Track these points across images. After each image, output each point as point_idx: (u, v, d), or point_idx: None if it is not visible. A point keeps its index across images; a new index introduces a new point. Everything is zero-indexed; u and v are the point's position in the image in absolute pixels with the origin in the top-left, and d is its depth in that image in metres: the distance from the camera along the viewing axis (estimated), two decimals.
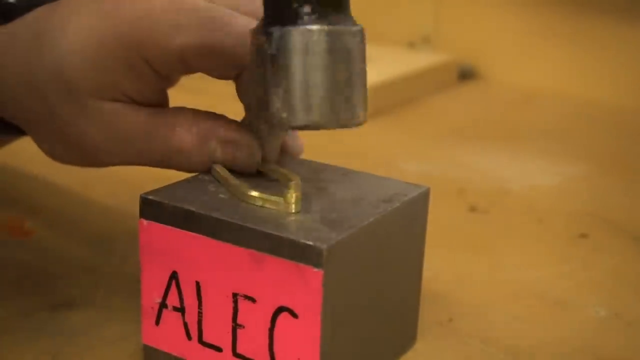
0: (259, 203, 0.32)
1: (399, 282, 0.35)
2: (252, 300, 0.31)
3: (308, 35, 0.30)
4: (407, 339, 0.37)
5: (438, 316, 0.40)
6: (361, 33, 0.31)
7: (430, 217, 0.37)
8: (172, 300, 0.33)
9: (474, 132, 0.75)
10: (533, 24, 0.92)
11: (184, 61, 0.34)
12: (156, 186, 0.34)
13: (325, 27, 0.30)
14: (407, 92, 0.84)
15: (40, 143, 0.37)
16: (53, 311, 0.39)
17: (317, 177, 0.36)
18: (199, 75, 0.37)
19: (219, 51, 0.33)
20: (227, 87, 0.38)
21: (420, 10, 0.97)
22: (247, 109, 0.37)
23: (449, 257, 0.46)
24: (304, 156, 0.40)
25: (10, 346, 0.36)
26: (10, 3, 0.38)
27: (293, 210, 0.32)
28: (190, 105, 0.36)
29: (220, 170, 0.35)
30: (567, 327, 0.40)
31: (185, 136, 0.35)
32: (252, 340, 0.31)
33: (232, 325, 0.32)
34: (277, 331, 0.31)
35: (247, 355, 0.32)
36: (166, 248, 0.33)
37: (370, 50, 1.02)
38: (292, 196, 0.32)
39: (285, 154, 0.39)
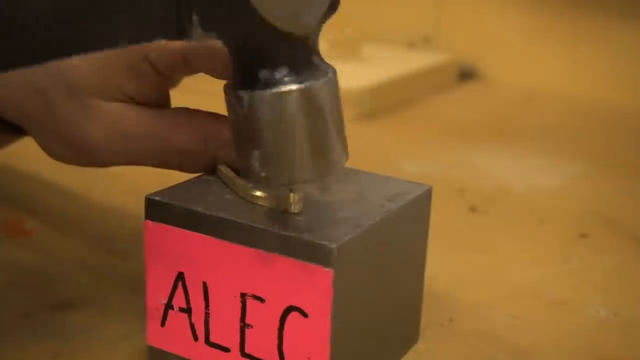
0: (262, 202, 0.32)
1: (403, 281, 0.36)
2: (261, 300, 0.31)
3: (277, 99, 0.29)
4: (410, 336, 0.37)
5: (438, 316, 0.40)
6: (332, 79, 0.30)
7: (431, 217, 0.37)
8: (178, 301, 0.33)
9: (474, 132, 0.75)
10: (533, 24, 0.92)
11: (185, 61, 0.34)
12: (156, 187, 0.34)
13: (294, 87, 0.29)
14: (407, 92, 0.84)
15: (42, 143, 0.37)
16: (53, 311, 0.39)
17: None
18: (200, 75, 0.37)
19: (220, 51, 0.34)
20: None
21: (420, 10, 0.97)
22: None
23: (449, 257, 0.46)
24: None
25: (10, 346, 0.36)
26: None
27: (295, 210, 0.32)
28: (191, 106, 0.36)
29: (225, 170, 0.35)
30: (567, 327, 0.40)
31: (186, 137, 0.35)
32: (261, 340, 0.31)
33: (240, 325, 0.32)
34: (286, 331, 0.31)
35: (256, 355, 0.32)
36: (172, 249, 0.33)
37: (371, 50, 1.03)
38: (295, 196, 0.32)
39: None
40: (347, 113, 0.87)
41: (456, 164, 0.65)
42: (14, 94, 0.36)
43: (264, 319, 0.31)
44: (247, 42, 0.28)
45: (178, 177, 0.36)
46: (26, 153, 0.49)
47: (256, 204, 0.33)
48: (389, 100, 0.80)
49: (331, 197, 0.34)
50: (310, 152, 0.30)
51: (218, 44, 0.33)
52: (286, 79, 0.29)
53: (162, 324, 0.34)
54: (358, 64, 0.85)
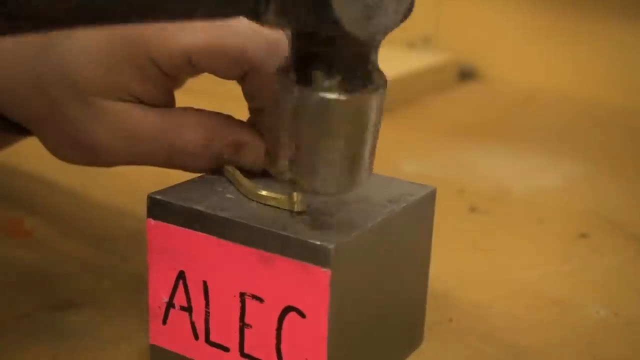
0: (267, 202, 0.32)
1: (406, 282, 0.36)
2: (260, 300, 0.31)
3: (325, 104, 0.28)
4: (414, 338, 0.37)
5: (438, 316, 0.40)
6: (382, 93, 0.29)
7: None
8: (180, 299, 0.33)
9: (474, 132, 0.75)
10: (534, 23, 0.92)
11: (190, 61, 0.34)
12: (157, 186, 0.34)
13: (344, 97, 0.28)
14: (407, 92, 0.84)
15: (47, 143, 0.37)
16: (53, 311, 0.39)
17: None
18: (204, 76, 0.37)
19: (225, 51, 0.34)
20: (233, 89, 0.38)
21: (420, 10, 0.97)
22: (252, 109, 0.37)
23: (449, 257, 0.46)
24: None
25: (10, 346, 0.36)
26: None
27: (296, 209, 0.32)
28: (196, 106, 0.36)
29: (231, 170, 0.35)
30: (567, 327, 0.40)
31: (190, 137, 0.35)
32: (260, 340, 0.31)
33: (240, 325, 0.32)
34: (284, 331, 0.31)
35: (255, 355, 0.32)
36: (174, 248, 0.33)
37: None
38: (297, 195, 0.32)
39: None
40: None
41: (456, 164, 0.65)
42: (19, 93, 0.36)
43: (262, 319, 0.31)
44: (312, 39, 0.27)
45: (179, 176, 0.36)
46: (26, 153, 0.49)
47: (261, 203, 0.33)
48: (388, 100, 0.80)
49: (333, 198, 0.34)
50: (341, 167, 0.29)
51: (227, 43, 0.33)
52: (339, 86, 0.28)
53: (164, 323, 0.34)
54: None
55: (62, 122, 0.35)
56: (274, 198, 0.32)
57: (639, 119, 0.81)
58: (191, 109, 0.36)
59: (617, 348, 0.38)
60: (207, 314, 0.33)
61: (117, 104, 0.35)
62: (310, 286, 0.30)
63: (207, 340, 0.33)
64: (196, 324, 0.33)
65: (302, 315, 0.30)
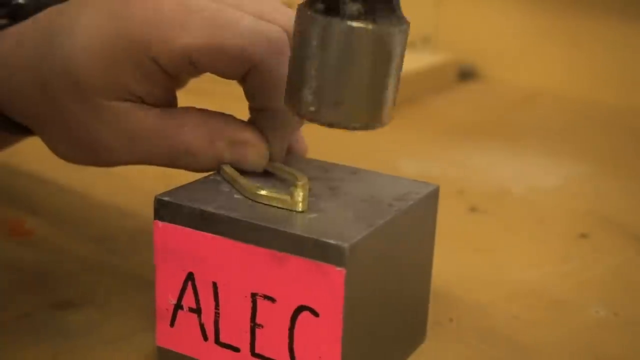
0: (266, 202, 0.32)
1: (411, 280, 0.36)
2: (272, 299, 0.31)
3: (352, 33, 0.28)
4: (418, 335, 0.38)
5: (438, 316, 0.40)
6: (406, 31, 0.30)
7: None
8: (188, 301, 0.33)
9: (474, 132, 0.75)
10: (533, 23, 0.92)
11: (191, 61, 0.34)
12: (157, 186, 0.34)
13: (370, 26, 0.28)
14: (407, 92, 0.84)
15: (49, 142, 0.37)
16: (53, 311, 0.39)
17: (327, 176, 0.36)
18: (205, 76, 0.37)
19: (226, 51, 0.34)
20: (233, 89, 0.38)
21: (420, 10, 0.97)
22: (254, 109, 0.37)
23: (449, 257, 0.46)
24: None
25: (10, 346, 0.36)
26: (19, 3, 0.38)
27: (300, 209, 0.32)
28: (197, 106, 0.36)
29: (228, 169, 0.35)
30: (567, 327, 0.40)
31: (193, 136, 0.35)
32: (272, 340, 0.31)
33: (251, 325, 0.32)
34: (297, 330, 0.31)
35: (266, 355, 0.32)
36: (182, 249, 0.32)
37: None
38: (299, 195, 0.32)
39: (291, 153, 0.39)
40: None
41: (456, 164, 0.65)
42: (21, 92, 0.36)
43: (274, 318, 0.31)
44: None
45: (178, 177, 0.36)
46: (26, 153, 0.49)
47: (260, 203, 0.33)
48: None
49: (340, 197, 0.34)
50: (366, 98, 0.30)
51: (228, 42, 0.33)
52: (366, 16, 0.29)
53: (172, 325, 0.34)
54: None
55: (64, 122, 0.35)
56: (275, 198, 0.32)
57: (638, 119, 0.81)
58: (193, 108, 0.36)
59: (617, 348, 0.38)
60: (216, 315, 0.32)
61: (119, 103, 0.35)
62: (324, 285, 0.30)
63: (217, 341, 0.33)
64: (205, 325, 0.33)
65: (316, 314, 0.30)
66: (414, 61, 0.89)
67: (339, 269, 0.29)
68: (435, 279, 0.38)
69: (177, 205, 0.32)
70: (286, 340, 0.31)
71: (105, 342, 0.37)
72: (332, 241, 0.29)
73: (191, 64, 0.34)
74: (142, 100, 0.35)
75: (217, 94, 0.59)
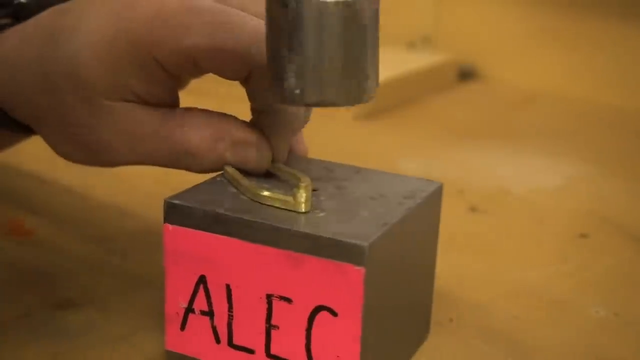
0: (269, 202, 0.32)
1: (419, 276, 0.36)
2: (288, 300, 0.31)
3: (324, 8, 0.29)
4: (423, 332, 0.38)
5: (438, 316, 0.40)
6: (377, 3, 0.30)
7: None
8: (200, 304, 0.33)
9: (474, 132, 0.75)
10: (533, 23, 0.92)
11: (194, 62, 0.34)
12: (157, 186, 0.34)
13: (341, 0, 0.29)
14: (407, 92, 0.84)
15: (51, 142, 0.37)
16: (53, 311, 0.39)
17: (332, 176, 0.36)
18: (206, 76, 0.37)
19: (230, 52, 0.33)
20: (234, 89, 0.38)
21: (420, 10, 0.97)
22: (256, 110, 0.37)
23: (449, 257, 0.46)
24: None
25: (10, 346, 0.36)
26: (21, 3, 0.38)
27: (303, 210, 0.32)
28: (199, 107, 0.36)
29: (230, 170, 0.35)
30: (567, 327, 0.40)
31: (195, 137, 0.35)
32: (288, 341, 0.31)
33: (266, 327, 0.32)
34: (315, 330, 0.31)
35: (282, 356, 0.32)
36: (193, 252, 0.32)
37: None
38: (302, 196, 0.32)
39: (292, 154, 0.39)
40: (347, 113, 0.87)
41: (456, 164, 0.65)
42: (22, 92, 0.36)
43: (291, 319, 0.31)
44: None
45: (179, 177, 0.36)
46: (26, 153, 0.49)
47: (263, 204, 0.32)
48: (388, 100, 0.80)
49: (349, 196, 0.34)
50: (347, 71, 0.30)
51: (232, 44, 0.33)
52: None
53: (182, 328, 0.33)
54: None
55: (66, 121, 0.35)
56: (278, 199, 0.32)
57: (638, 119, 0.81)
58: (195, 109, 0.36)
59: (617, 348, 0.38)
60: (230, 317, 0.32)
61: (122, 104, 0.35)
62: (343, 285, 0.30)
63: (230, 343, 0.33)
64: (218, 328, 0.33)
65: (334, 313, 0.30)
66: (414, 61, 0.89)
67: (358, 268, 0.29)
68: (436, 279, 0.38)
69: (188, 207, 0.32)
70: (303, 341, 0.31)
71: (105, 342, 0.37)
72: (351, 240, 0.29)
73: (195, 65, 0.34)
74: (144, 101, 0.35)
75: (218, 95, 0.59)
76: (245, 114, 0.37)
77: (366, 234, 0.30)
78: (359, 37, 0.30)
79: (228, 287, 0.32)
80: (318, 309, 0.30)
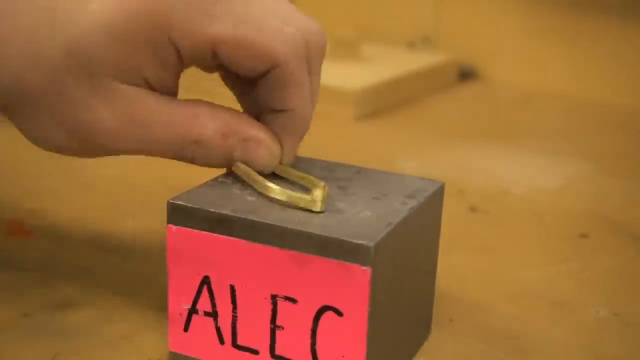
0: (282, 197, 0.32)
1: (421, 276, 0.36)
2: (293, 301, 0.31)
3: None
4: (425, 331, 0.38)
5: (438, 316, 0.40)
6: None
7: None
8: (203, 305, 0.33)
9: (474, 132, 0.75)
10: (533, 23, 0.92)
11: (214, 51, 0.33)
12: (157, 186, 0.34)
13: None
14: (407, 92, 0.84)
15: (36, 128, 0.35)
16: (53, 311, 0.39)
17: (333, 176, 0.36)
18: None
19: (253, 46, 0.33)
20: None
21: (420, 10, 0.97)
22: (267, 110, 0.36)
23: (449, 257, 0.46)
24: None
25: (9, 346, 0.36)
26: None
27: (319, 209, 0.32)
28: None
29: (242, 166, 0.35)
30: (567, 327, 0.40)
31: (207, 127, 0.34)
32: (293, 341, 0.31)
33: (271, 327, 0.32)
34: (320, 330, 0.31)
35: (287, 356, 0.32)
36: (197, 253, 0.32)
37: (371, 50, 1.03)
38: (319, 194, 0.32)
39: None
40: (347, 113, 0.87)
41: (456, 164, 0.65)
42: (12, 70, 0.34)
43: (296, 319, 0.31)
44: None
45: (179, 177, 0.36)
46: (26, 153, 0.49)
47: (275, 200, 0.32)
48: (389, 100, 0.80)
49: (351, 196, 0.34)
50: None
51: (255, 38, 0.33)
52: None
53: (185, 329, 0.33)
54: (358, 64, 0.85)
55: (63, 103, 0.34)
56: (293, 196, 0.32)
57: (638, 119, 0.81)
58: (204, 101, 0.35)
59: (617, 348, 0.38)
60: (234, 318, 0.32)
61: (129, 87, 0.34)
62: (349, 285, 0.30)
63: (234, 344, 0.33)
64: (222, 329, 0.33)
65: (340, 314, 0.30)
66: (414, 61, 0.89)
67: (364, 268, 0.29)
68: (436, 279, 0.38)
69: (192, 208, 0.32)
70: (308, 341, 0.31)
71: (105, 342, 0.37)
72: (357, 241, 0.29)
73: (212, 54, 0.33)
74: (150, 87, 0.34)
75: (216, 94, 0.59)
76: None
77: (371, 234, 0.30)
78: None
79: (232, 287, 0.32)
80: (323, 309, 0.30)
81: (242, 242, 0.31)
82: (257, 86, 0.35)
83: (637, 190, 0.61)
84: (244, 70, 0.34)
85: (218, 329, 0.33)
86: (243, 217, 0.31)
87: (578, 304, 0.42)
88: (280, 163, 0.36)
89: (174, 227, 0.32)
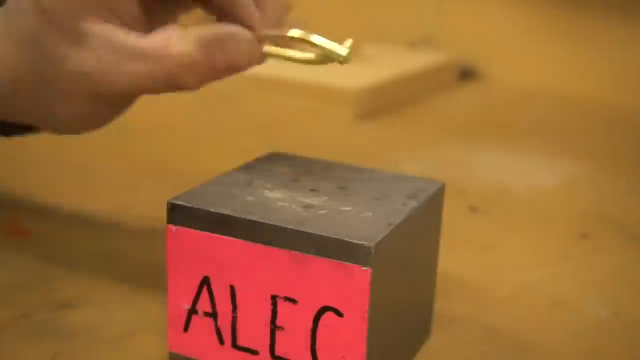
0: (320, 44, 0.33)
1: (422, 276, 0.36)
2: (293, 301, 0.31)
3: None
4: (425, 331, 0.38)
5: (438, 316, 0.40)
6: None
7: None
8: (203, 305, 0.33)
9: (474, 132, 0.75)
10: (534, 23, 0.92)
11: None
12: (156, 186, 0.34)
13: None
14: (407, 92, 0.84)
15: (39, 110, 0.36)
16: (53, 311, 0.39)
17: (334, 176, 0.36)
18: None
19: None
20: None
21: (420, 9, 0.97)
22: (219, 6, 0.36)
23: (449, 257, 0.46)
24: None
25: (9, 346, 0.36)
26: None
27: (344, 54, 0.33)
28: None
29: (274, 49, 0.36)
30: (567, 327, 0.40)
31: (184, 45, 0.34)
32: (292, 341, 0.31)
33: (271, 328, 0.32)
34: (320, 331, 0.31)
35: (287, 357, 0.32)
36: (197, 253, 0.32)
37: (371, 50, 1.03)
38: (348, 42, 0.33)
39: (292, 156, 0.38)
40: (347, 113, 0.87)
41: (456, 164, 0.65)
42: (7, 64, 0.35)
43: (296, 320, 0.31)
44: None
45: (178, 177, 0.36)
46: (26, 152, 0.49)
47: (310, 51, 0.34)
48: (389, 100, 0.80)
49: (352, 196, 0.34)
50: None
51: None
52: None
53: (185, 330, 0.33)
54: (358, 64, 0.85)
55: (48, 65, 0.35)
56: (325, 46, 0.33)
57: (639, 118, 0.81)
58: (170, 25, 0.35)
59: (617, 348, 0.38)
60: (234, 318, 0.32)
61: (99, 25, 0.34)
62: (349, 285, 0.30)
63: (234, 344, 0.33)
64: (222, 329, 0.33)
65: (340, 314, 0.30)
66: (414, 61, 0.89)
67: (364, 268, 0.29)
68: (436, 279, 0.38)
69: (192, 208, 0.32)
70: (308, 342, 0.31)
71: (105, 342, 0.37)
72: (357, 241, 0.29)
73: None
74: (125, 24, 0.35)
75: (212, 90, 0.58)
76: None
77: (372, 235, 0.30)
78: None
79: (232, 288, 0.32)
80: (323, 309, 0.30)
81: (242, 242, 0.31)
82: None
83: (637, 189, 0.61)
84: (232, 17, 0.35)
85: (218, 330, 0.33)
86: (243, 217, 0.31)
87: (578, 304, 0.42)
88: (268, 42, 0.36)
89: (174, 227, 0.32)
